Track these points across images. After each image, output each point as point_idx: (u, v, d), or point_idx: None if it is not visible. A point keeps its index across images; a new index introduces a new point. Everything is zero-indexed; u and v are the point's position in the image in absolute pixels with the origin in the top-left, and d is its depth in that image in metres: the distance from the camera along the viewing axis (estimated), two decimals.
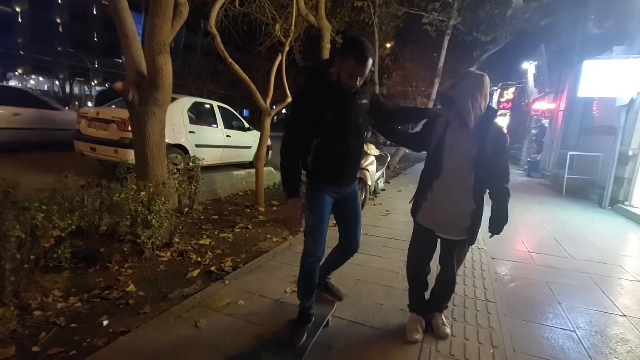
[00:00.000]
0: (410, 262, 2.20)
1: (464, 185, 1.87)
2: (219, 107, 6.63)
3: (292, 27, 4.92)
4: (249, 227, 4.25)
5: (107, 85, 32.51)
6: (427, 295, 2.25)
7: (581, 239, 4.49)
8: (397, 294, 2.65)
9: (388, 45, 13.58)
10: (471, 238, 1.96)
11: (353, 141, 1.88)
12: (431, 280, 2.23)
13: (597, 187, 7.28)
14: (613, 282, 3.18)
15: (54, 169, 3.89)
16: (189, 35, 27.40)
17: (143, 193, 2.83)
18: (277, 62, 5.06)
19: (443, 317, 2.20)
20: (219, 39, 4.83)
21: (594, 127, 8.67)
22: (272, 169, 7.64)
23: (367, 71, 1.69)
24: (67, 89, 32.07)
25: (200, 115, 6.13)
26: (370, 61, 1.66)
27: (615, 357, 2.03)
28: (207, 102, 6.50)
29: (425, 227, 2.02)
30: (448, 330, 2.15)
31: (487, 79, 1.76)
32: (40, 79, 35.35)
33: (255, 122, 9.09)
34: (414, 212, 2.09)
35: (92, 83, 33.75)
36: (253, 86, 4.89)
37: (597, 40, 8.36)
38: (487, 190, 1.91)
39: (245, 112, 32.04)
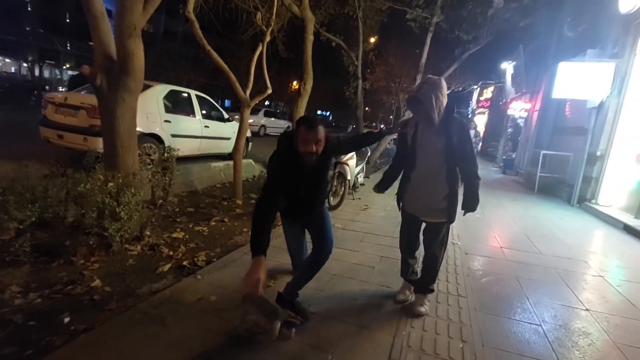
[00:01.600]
0: (401, 243, 2.54)
1: (438, 174, 2.16)
2: (197, 96, 6.42)
3: (274, 16, 4.79)
4: (225, 220, 4.16)
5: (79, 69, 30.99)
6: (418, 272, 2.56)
7: (550, 235, 4.65)
8: (371, 290, 2.66)
9: (372, 39, 13.55)
10: (449, 218, 2.22)
11: (312, 187, 2.06)
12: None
13: (566, 185, 7.57)
14: (578, 277, 3.31)
15: (16, 157, 3.66)
16: (169, 21, 26.42)
17: (111, 184, 2.70)
18: (257, 52, 4.93)
19: (426, 300, 2.40)
20: (197, 25, 4.66)
21: (566, 127, 8.99)
22: (251, 161, 7.53)
23: (318, 136, 1.87)
24: (37, 72, 30.38)
25: (177, 104, 5.92)
26: (319, 128, 1.87)
27: (577, 350, 2.11)
28: (185, 91, 6.28)
29: (410, 213, 2.36)
30: (423, 309, 2.34)
31: (444, 82, 2.10)
32: (7, 60, 33.30)
33: (236, 111, 8.90)
34: (398, 202, 2.44)
35: (64, 67, 32.09)
36: (232, 76, 4.76)
37: (572, 43, 8.63)
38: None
39: (227, 103, 31.38)
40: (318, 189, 2.13)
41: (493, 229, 4.75)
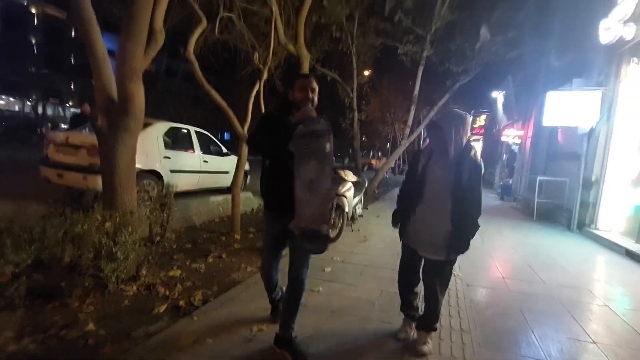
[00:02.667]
0: (400, 278, 2.48)
1: (442, 209, 2.10)
2: (197, 132, 6.57)
3: (271, 55, 5.01)
4: (223, 256, 4.11)
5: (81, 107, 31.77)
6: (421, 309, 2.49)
7: (552, 263, 4.60)
8: (372, 327, 2.59)
9: (366, 73, 14.07)
10: (449, 257, 2.16)
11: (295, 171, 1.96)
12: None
13: (565, 210, 7.58)
14: (583, 307, 3.24)
15: (16, 196, 3.69)
16: (170, 61, 27.48)
17: (108, 224, 2.71)
18: (255, 89, 5.11)
19: (429, 337, 2.31)
20: (197, 66, 4.86)
21: (559, 153, 9.14)
22: (250, 194, 7.55)
23: (313, 84, 2.05)
24: (40, 110, 31.06)
25: (176, 141, 6.04)
26: (313, 77, 2.07)
27: None
28: (184, 127, 6.43)
29: (410, 247, 2.30)
30: (426, 349, 2.25)
31: (469, 119, 2.09)
32: (11, 99, 34.13)
33: (236, 147, 9.06)
34: (400, 233, 2.37)
35: (67, 104, 32.88)
36: (230, 112, 4.90)
37: (559, 72, 8.96)
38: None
39: (226, 136, 31.95)
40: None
41: (494, 258, 4.70)
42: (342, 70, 11.53)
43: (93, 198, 3.62)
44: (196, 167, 6.26)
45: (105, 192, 3.12)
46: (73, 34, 34.15)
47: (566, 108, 6.75)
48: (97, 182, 4.44)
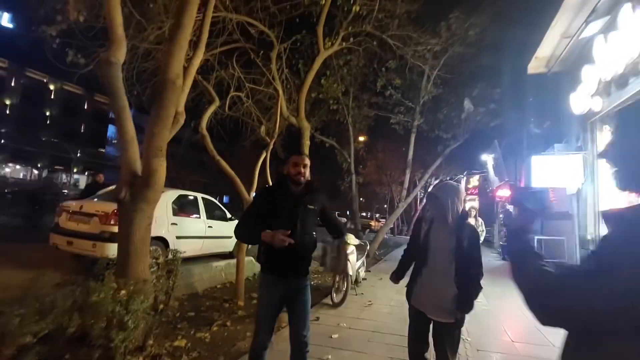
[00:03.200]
0: (409, 343, 2.48)
1: (447, 272, 2.23)
2: (203, 198, 6.83)
3: (276, 130, 5.50)
4: (228, 324, 4.07)
5: (86, 174, 32.62)
6: None
7: None
8: None
9: (362, 138, 14.96)
10: (456, 318, 2.23)
11: (299, 237, 2.19)
12: None
13: None
14: None
15: (28, 264, 3.77)
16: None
17: (123, 292, 2.79)
18: (261, 159, 5.50)
19: None
20: (209, 139, 5.31)
21: (553, 213, 9.39)
22: (252, 258, 7.55)
23: (305, 161, 2.31)
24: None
25: (183, 207, 6.27)
26: (305, 155, 2.37)
27: None
28: (192, 194, 6.71)
29: (418, 310, 2.35)
30: None
31: (462, 189, 2.41)
32: (17, 167, 35.11)
33: (235, 208, 9.30)
34: (408, 296, 2.44)
35: (73, 171, 33.78)
36: (238, 180, 5.21)
37: (540, 138, 9.65)
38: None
39: (226, 199, 32.40)
40: (306, 237, 2.27)
41: (501, 320, 4.65)
42: (339, 138, 12.31)
43: (105, 266, 3.69)
44: (201, 233, 6.39)
45: (120, 260, 3.23)
46: (86, 106, 36.45)
47: (552, 170, 7.17)
48: (105, 249, 4.58)
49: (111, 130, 27.48)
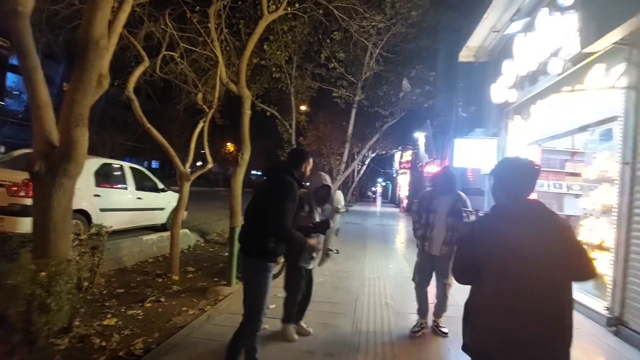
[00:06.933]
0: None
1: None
2: (131, 167, 6.32)
3: (216, 99, 5.22)
4: (162, 299, 4.00)
5: None
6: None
7: None
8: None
9: (303, 108, 14.88)
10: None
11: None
12: None
13: None
14: None
15: None
16: None
17: (43, 273, 2.56)
18: (198, 129, 5.22)
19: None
20: (137, 103, 4.85)
21: (470, 188, 10.62)
22: (187, 230, 7.31)
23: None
24: None
25: (107, 177, 5.75)
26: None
27: None
28: (117, 163, 6.15)
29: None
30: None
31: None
32: None
33: (166, 175, 8.79)
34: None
35: None
36: (172, 151, 4.92)
37: (466, 121, 10.62)
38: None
39: (155, 164, 30.10)
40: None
41: None
42: (280, 107, 12.09)
43: (19, 244, 3.30)
44: (129, 205, 5.98)
45: (37, 238, 2.92)
46: None
47: (471, 152, 8.04)
48: (15, 224, 4.08)
49: (11, 78, 22.79)
